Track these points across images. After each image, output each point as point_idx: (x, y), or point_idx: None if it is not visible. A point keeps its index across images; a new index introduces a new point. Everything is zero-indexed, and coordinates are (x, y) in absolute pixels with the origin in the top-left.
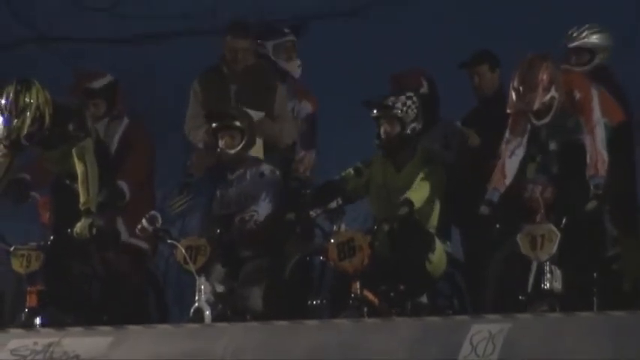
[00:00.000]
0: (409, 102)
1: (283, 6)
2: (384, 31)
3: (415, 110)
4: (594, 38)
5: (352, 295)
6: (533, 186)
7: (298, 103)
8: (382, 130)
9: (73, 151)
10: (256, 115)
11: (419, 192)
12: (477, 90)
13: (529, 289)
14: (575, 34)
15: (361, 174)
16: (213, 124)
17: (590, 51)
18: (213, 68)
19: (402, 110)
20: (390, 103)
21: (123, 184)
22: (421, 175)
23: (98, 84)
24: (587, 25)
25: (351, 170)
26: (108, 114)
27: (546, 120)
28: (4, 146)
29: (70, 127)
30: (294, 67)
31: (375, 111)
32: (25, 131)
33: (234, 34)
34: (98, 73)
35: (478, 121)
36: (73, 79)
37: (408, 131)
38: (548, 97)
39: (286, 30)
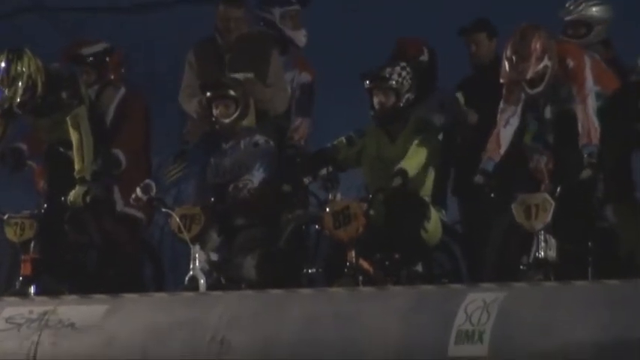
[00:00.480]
0: (404, 73)
1: None
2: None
3: (410, 81)
4: (592, 11)
5: (347, 264)
6: (538, 157)
7: (298, 74)
8: (376, 101)
9: (68, 119)
10: (245, 77)
11: (413, 159)
12: (474, 58)
13: (530, 259)
14: (572, 7)
15: (353, 143)
16: (208, 94)
17: (587, 24)
18: (208, 38)
19: (397, 81)
20: (387, 75)
21: (119, 153)
22: (415, 142)
23: (88, 50)
24: None
25: (343, 139)
26: (98, 81)
27: (540, 89)
28: None
29: (63, 94)
30: (300, 36)
31: (368, 82)
32: (17, 100)
33: (227, 2)
34: (91, 40)
35: (473, 89)
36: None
37: (403, 102)
38: (541, 66)
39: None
